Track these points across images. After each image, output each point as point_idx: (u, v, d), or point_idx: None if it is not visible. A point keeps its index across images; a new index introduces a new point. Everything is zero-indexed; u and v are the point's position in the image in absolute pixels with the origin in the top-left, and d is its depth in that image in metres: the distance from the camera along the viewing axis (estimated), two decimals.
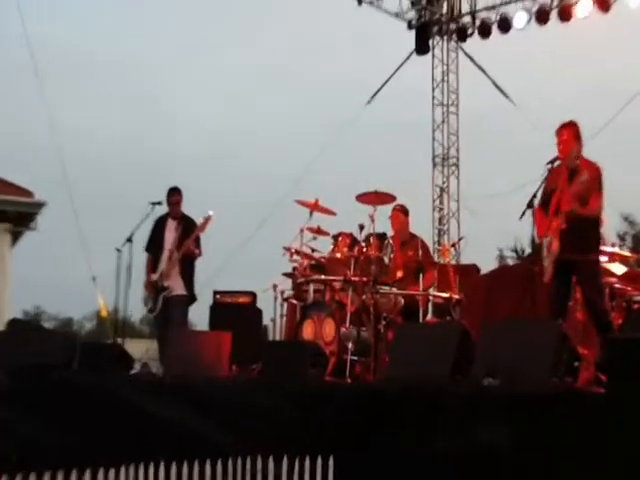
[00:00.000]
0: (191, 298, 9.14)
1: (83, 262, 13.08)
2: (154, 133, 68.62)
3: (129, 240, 8.63)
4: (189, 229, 9.05)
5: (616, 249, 8.43)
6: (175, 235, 9.11)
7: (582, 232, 6.87)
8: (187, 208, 9.43)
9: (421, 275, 8.25)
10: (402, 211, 9.01)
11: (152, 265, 9.17)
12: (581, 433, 4.84)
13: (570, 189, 6.80)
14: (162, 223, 9.27)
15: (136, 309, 9.21)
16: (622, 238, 29.13)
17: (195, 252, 9.06)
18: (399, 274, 8.50)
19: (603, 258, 7.63)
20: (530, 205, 6.86)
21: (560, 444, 4.92)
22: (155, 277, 9.01)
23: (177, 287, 8.99)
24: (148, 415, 6.89)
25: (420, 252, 8.58)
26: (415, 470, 5.50)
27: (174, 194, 9.28)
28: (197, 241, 9.09)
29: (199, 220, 9.05)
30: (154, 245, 9.24)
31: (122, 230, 8.82)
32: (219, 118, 69.44)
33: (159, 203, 9.09)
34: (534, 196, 6.96)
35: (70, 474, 5.16)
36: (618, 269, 8.06)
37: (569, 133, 7.06)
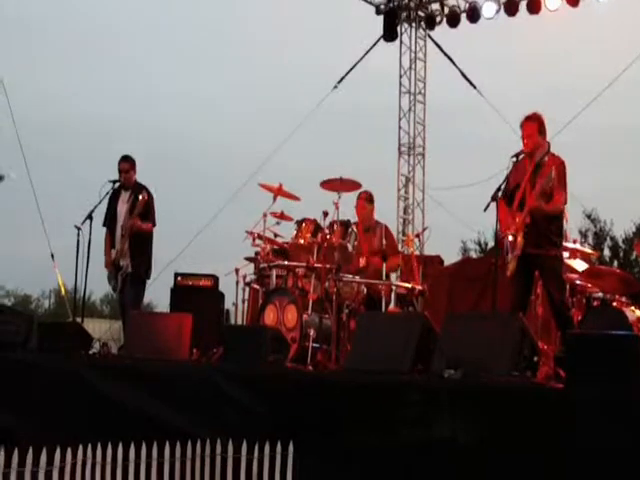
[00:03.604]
0: (144, 276, 9.04)
1: (42, 238, 13.00)
2: (111, 101, 67.51)
3: (89, 217, 8.58)
4: (139, 199, 8.87)
5: (578, 246, 8.57)
6: (126, 207, 8.96)
7: (545, 227, 6.97)
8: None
9: (384, 264, 8.32)
10: (367, 199, 9.04)
11: (110, 241, 9.07)
12: (539, 427, 4.97)
13: (536, 185, 6.88)
14: (116, 195, 9.12)
15: (97, 288, 9.22)
16: (584, 235, 29.43)
17: (142, 227, 8.89)
18: (362, 262, 8.56)
19: (565, 254, 7.76)
20: (494, 198, 6.94)
21: (518, 437, 5.05)
22: (114, 255, 8.95)
23: (129, 265, 8.90)
24: (106, 396, 6.93)
25: (384, 240, 8.66)
26: (374, 460, 5.60)
27: (123, 162, 9.08)
28: (146, 214, 8.93)
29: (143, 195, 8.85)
30: (110, 219, 9.11)
31: (83, 207, 8.81)
32: (182, 87, 68.68)
33: (118, 181, 9.04)
34: (498, 189, 7.04)
35: (26, 453, 5.18)
36: (579, 265, 8.19)
37: (533, 126, 7.13)
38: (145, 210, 8.90)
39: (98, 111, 61.96)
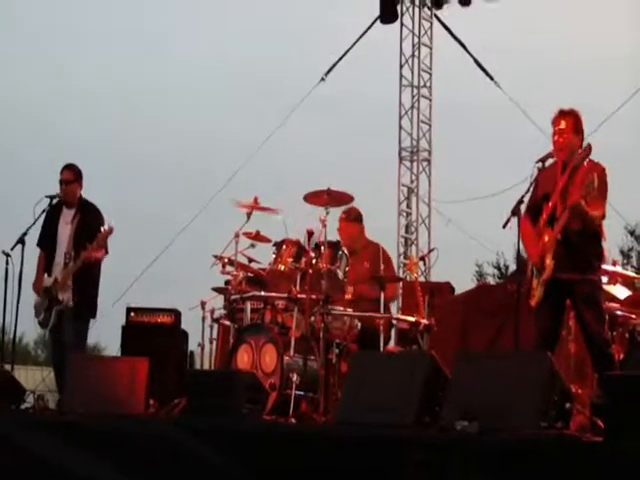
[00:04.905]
0: (88, 312, 8.95)
1: None
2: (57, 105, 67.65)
3: (20, 242, 8.56)
4: (88, 222, 8.80)
5: (618, 268, 8.58)
6: (71, 229, 8.89)
7: (582, 247, 6.96)
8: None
9: (382, 294, 8.31)
10: (348, 218, 9.05)
11: (45, 264, 9.00)
12: None
13: (578, 187, 6.82)
14: (56, 212, 9.03)
15: (30, 328, 9.11)
16: (626, 255, 29.47)
17: (95, 256, 8.80)
18: (349, 293, 8.55)
19: (603, 279, 7.76)
20: (515, 212, 6.95)
21: None
22: (49, 283, 8.87)
23: (71, 298, 8.79)
24: (42, 462, 6.87)
25: (381, 265, 8.64)
26: None
27: (66, 171, 9.00)
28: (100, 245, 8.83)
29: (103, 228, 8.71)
30: (47, 240, 9.03)
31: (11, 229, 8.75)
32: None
33: (58, 196, 8.96)
34: (520, 201, 7.04)
35: None
36: (620, 292, 8.19)
37: (569, 123, 7.12)
38: (104, 241, 8.85)
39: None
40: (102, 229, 8.66)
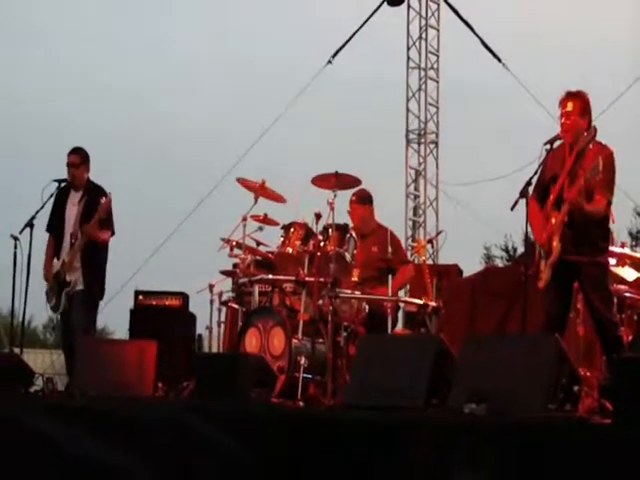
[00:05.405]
0: (97, 295, 8.96)
1: None
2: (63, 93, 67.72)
3: (29, 225, 8.57)
4: (94, 203, 8.77)
5: (627, 250, 8.54)
6: (77, 210, 8.90)
7: (588, 229, 6.95)
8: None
9: (390, 276, 8.30)
10: (359, 200, 9.02)
11: (53, 249, 9.01)
12: (582, 471, 4.94)
13: (578, 177, 6.81)
14: (64, 196, 9.04)
15: (39, 312, 9.13)
16: (635, 237, 29.43)
17: (101, 237, 8.83)
18: (355, 276, 8.54)
19: (611, 261, 7.75)
20: (523, 194, 6.92)
21: None
22: (57, 267, 8.88)
23: (80, 281, 8.80)
24: (52, 444, 6.88)
25: (389, 247, 8.62)
26: None
27: (73, 154, 9.01)
28: (104, 221, 8.84)
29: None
30: (56, 224, 9.05)
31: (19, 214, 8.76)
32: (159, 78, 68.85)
33: (65, 180, 8.98)
34: (528, 183, 7.01)
35: None
36: (629, 274, 8.17)
37: (576, 105, 7.09)
38: (107, 216, 8.85)
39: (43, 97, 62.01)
40: (101, 201, 8.67)
